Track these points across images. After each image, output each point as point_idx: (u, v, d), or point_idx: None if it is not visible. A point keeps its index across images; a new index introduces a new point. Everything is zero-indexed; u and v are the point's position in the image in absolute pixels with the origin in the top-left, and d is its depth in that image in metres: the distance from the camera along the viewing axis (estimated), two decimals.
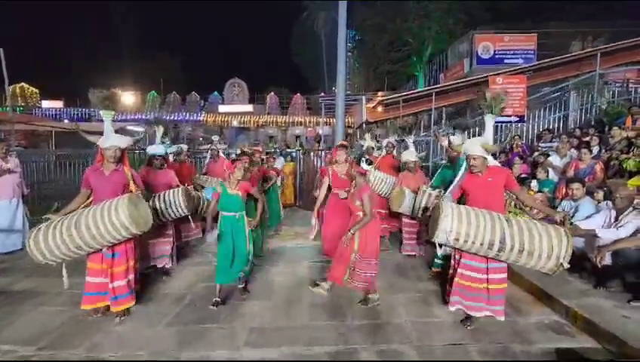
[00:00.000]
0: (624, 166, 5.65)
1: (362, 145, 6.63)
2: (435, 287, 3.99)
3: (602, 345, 2.80)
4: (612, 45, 10.17)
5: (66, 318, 3.32)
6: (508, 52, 13.62)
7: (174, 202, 4.19)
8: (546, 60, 10.58)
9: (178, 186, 4.41)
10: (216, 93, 26.73)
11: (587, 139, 7.16)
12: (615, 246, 3.34)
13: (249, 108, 25.70)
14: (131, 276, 3.37)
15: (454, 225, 2.83)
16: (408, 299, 3.70)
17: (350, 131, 18.89)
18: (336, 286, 4.03)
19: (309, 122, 24.49)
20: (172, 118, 24.84)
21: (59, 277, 3.85)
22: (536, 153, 7.32)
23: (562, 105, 9.90)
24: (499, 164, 3.51)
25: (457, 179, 3.30)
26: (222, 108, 25.64)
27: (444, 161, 7.78)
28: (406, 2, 20.57)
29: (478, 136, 4.57)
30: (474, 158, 3.07)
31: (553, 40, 14.90)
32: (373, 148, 6.57)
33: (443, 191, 3.99)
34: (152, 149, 4.39)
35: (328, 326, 3.20)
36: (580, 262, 3.71)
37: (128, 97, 25.92)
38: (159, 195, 4.13)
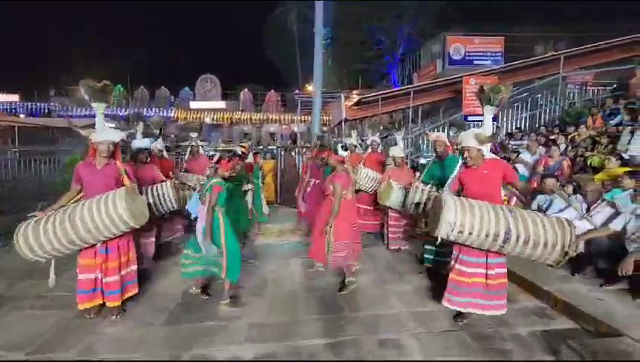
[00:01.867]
0: (589, 162, 6.12)
1: (347, 143, 6.73)
2: (425, 281, 4.11)
3: (580, 325, 3.03)
4: (574, 50, 10.90)
5: (53, 322, 3.17)
6: (478, 54, 14.24)
7: (164, 196, 4.11)
8: (516, 62, 11.19)
9: (164, 181, 4.33)
10: (187, 88, 25.95)
11: (554, 137, 7.68)
12: (588, 236, 3.63)
13: (222, 104, 25.14)
14: (124, 272, 3.27)
15: (458, 217, 2.76)
16: (400, 292, 3.82)
17: (325, 129, 19.00)
18: (329, 279, 4.12)
19: (284, 120, 24.34)
20: (140, 113, 23.89)
21: (38, 279, 3.74)
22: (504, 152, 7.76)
23: (529, 105, 10.51)
24: (497, 157, 3.52)
25: (455, 172, 3.32)
26: (193, 105, 24.92)
27: (422, 160, 8.06)
28: (382, 2, 20.97)
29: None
30: (467, 150, 3.03)
31: (518, 43, 15.75)
32: (355, 146, 6.68)
33: (433, 186, 4.13)
34: (137, 143, 4.27)
35: (326, 318, 3.26)
36: None
37: None
38: (148, 189, 4.03)
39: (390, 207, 4.88)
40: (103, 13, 35.20)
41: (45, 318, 3.23)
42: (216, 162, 3.40)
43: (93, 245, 3.03)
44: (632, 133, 6.46)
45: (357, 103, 11.36)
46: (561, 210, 4.31)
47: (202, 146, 7.48)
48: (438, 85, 11.35)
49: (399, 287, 3.93)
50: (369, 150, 6.12)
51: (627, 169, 4.62)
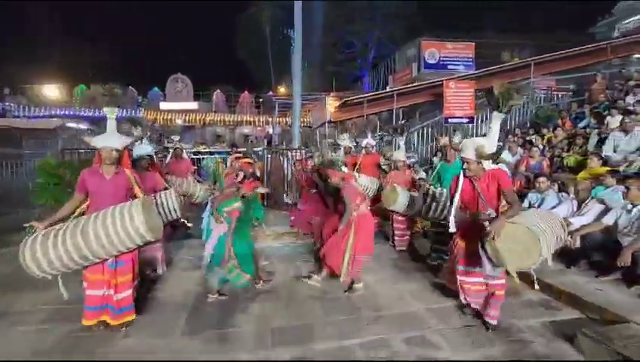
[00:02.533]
0: (565, 162, 6.56)
1: (339, 145, 6.79)
2: (432, 278, 4.21)
3: (586, 314, 3.25)
4: (543, 56, 11.66)
5: (58, 335, 2.97)
6: (451, 58, 14.87)
7: (167, 204, 3.96)
8: (491, 68, 11.80)
9: (167, 189, 4.18)
10: (156, 88, 24.99)
11: (530, 138, 8.16)
12: (583, 231, 3.89)
13: (194, 105, 24.42)
14: (134, 285, 3.13)
15: (547, 244, 2.62)
16: (413, 290, 3.90)
17: (300, 131, 18.98)
18: (338, 282, 4.12)
19: (259, 121, 24.04)
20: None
21: (23, 293, 3.64)
22: None
23: None
24: (496, 167, 3.53)
25: (460, 184, 3.07)
26: (164, 105, 24.03)
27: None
28: (352, 2, 21.35)
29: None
30: (467, 162, 2.92)
31: (486, 50, 16.65)
32: (350, 148, 6.76)
33: (441, 189, 4.25)
34: (138, 150, 4.08)
35: (347, 320, 3.27)
36: None
37: (52, 90, 23.10)
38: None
39: (394, 211, 4.96)
40: (65, 9, 33.01)
41: (44, 334, 3.00)
42: (240, 182, 3.31)
43: (106, 260, 2.86)
44: (599, 135, 7.01)
45: (342, 105, 11.51)
46: (553, 208, 4.59)
47: (185, 150, 7.33)
48: (419, 88, 11.74)
49: (410, 286, 4.02)
50: (363, 152, 6.21)
51: (608, 168, 4.99)
